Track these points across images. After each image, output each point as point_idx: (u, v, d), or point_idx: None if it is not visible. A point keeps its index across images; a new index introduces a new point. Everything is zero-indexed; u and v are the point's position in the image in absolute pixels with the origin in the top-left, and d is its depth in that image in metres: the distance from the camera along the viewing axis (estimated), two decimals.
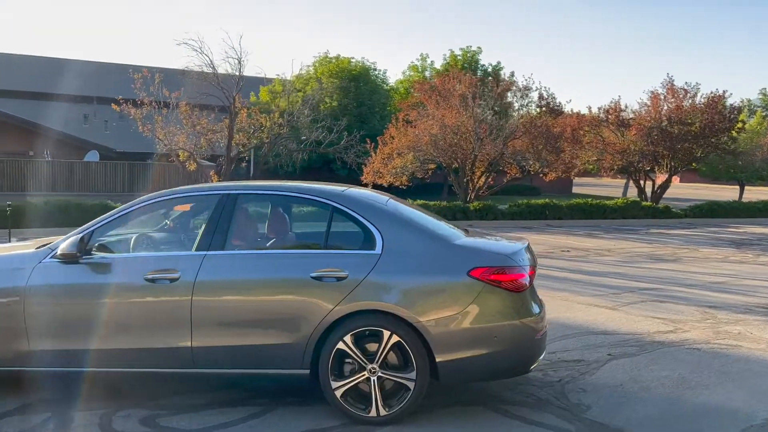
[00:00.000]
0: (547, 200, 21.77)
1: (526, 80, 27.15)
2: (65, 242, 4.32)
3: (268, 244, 4.56)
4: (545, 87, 36.23)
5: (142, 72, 17.21)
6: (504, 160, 22.69)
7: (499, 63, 47.09)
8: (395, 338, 4.07)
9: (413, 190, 23.63)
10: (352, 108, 34.91)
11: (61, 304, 4.34)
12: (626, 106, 25.62)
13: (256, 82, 19.75)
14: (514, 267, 4.25)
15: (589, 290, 8.92)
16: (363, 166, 21.91)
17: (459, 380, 4.29)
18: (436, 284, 4.19)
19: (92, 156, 33.12)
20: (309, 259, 4.25)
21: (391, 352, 4.10)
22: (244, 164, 19.50)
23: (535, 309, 4.36)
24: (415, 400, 4.09)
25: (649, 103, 24.24)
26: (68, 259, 4.31)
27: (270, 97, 32.55)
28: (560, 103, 23.99)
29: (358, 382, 4.12)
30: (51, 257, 4.36)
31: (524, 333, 4.22)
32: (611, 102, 25.48)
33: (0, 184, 29.28)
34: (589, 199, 22.56)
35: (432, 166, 23.10)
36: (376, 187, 22.96)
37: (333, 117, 34.30)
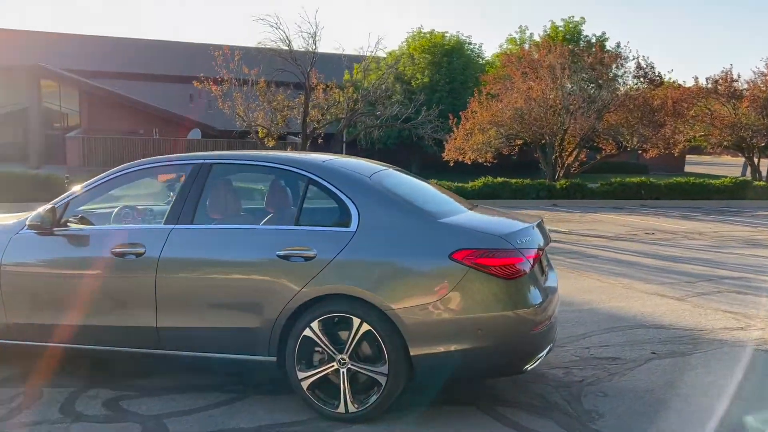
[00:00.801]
0: (643, 179, 20.22)
1: (622, 49, 25.28)
2: (34, 213, 4.16)
3: (237, 219, 4.20)
4: (643, 56, 33.34)
5: (223, 50, 17.42)
6: (597, 136, 21.24)
7: (604, 34, 44.46)
8: (366, 327, 3.60)
9: (499, 168, 22.68)
10: (443, 84, 34.16)
11: (33, 277, 4.20)
12: (738, 76, 23.25)
13: (350, 60, 19.51)
14: (507, 250, 3.64)
15: (658, 277, 7.97)
16: (444, 142, 21.25)
17: (438, 378, 3.75)
18: (413, 267, 3.66)
19: (195, 134, 34.44)
20: (277, 236, 3.84)
21: (363, 343, 3.64)
22: (320, 141, 19.36)
23: (535, 298, 3.73)
24: (387, 397, 3.61)
25: (766, 71, 21.85)
26: (40, 230, 4.15)
27: (362, 75, 32.50)
28: (660, 73, 22.09)
29: (327, 374, 3.69)
30: (26, 228, 4.22)
31: (516, 326, 3.61)
32: (722, 71, 23.22)
33: (112, 160, 31.01)
34: (691, 178, 20.72)
35: (519, 142, 22.04)
36: (459, 165, 22.27)
37: (423, 93, 33.85)
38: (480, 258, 3.57)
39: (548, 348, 3.92)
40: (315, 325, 3.67)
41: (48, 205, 4.19)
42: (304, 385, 3.72)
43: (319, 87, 17.70)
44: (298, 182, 4.00)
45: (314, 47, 17.33)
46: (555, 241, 11.52)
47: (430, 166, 27.59)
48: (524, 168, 28.34)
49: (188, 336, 3.93)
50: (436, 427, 3.66)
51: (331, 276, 3.65)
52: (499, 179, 18.99)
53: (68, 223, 4.21)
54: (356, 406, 3.65)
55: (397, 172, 4.65)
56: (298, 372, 3.73)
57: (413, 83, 35.47)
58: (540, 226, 4.23)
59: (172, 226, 4.01)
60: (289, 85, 18.33)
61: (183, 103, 36.36)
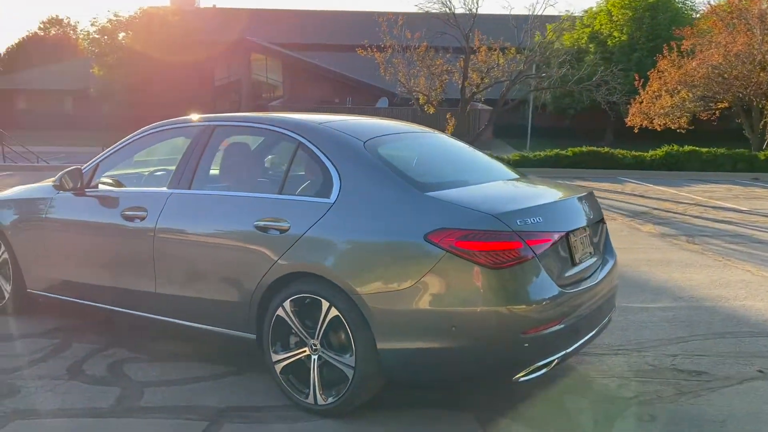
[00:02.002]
0: None
1: None
2: (60, 174, 4.30)
3: (227, 185, 3.93)
4: None
5: (387, 16, 17.31)
6: None
7: None
8: (334, 312, 3.16)
9: (694, 136, 19.98)
10: (643, 42, 30.98)
11: (65, 234, 4.35)
12: None
13: (518, 21, 18.32)
14: (498, 232, 2.95)
15: None
16: (628, 105, 19.22)
17: (409, 379, 3.19)
18: (384, 247, 3.12)
19: (383, 102, 35.21)
20: (257, 205, 3.51)
21: (333, 329, 3.20)
22: (480, 106, 18.51)
23: (537, 293, 2.99)
24: (355, 393, 3.15)
25: None
26: (68, 191, 4.29)
27: (554, 35, 30.58)
28: None
29: (300, 359, 3.33)
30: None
31: (500, 326, 2.92)
32: None
33: None
34: None
35: (721, 105, 19.18)
36: (644, 131, 19.96)
37: (621, 53, 30.92)
38: (461, 240, 2.93)
39: (563, 354, 3.15)
40: (287, 304, 3.32)
41: (73, 167, 4.31)
42: (278, 368, 3.40)
43: (481, 49, 16.87)
44: (289, 146, 3.62)
45: (476, 6, 16.50)
46: (721, 221, 9.84)
47: (625, 134, 25.09)
48: (726, 136, 24.71)
49: (180, 304, 3.79)
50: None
51: (302, 252, 3.27)
52: (687, 148, 16.72)
53: (99, 185, 4.31)
54: (324, 398, 3.25)
55: (428, 137, 4.09)
56: (272, 353, 3.42)
57: (609, 42, 32.68)
58: (584, 200, 3.44)
59: (171, 190, 3.88)
60: (449, 49, 17.71)
61: (374, 72, 37.36)
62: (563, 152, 16.87)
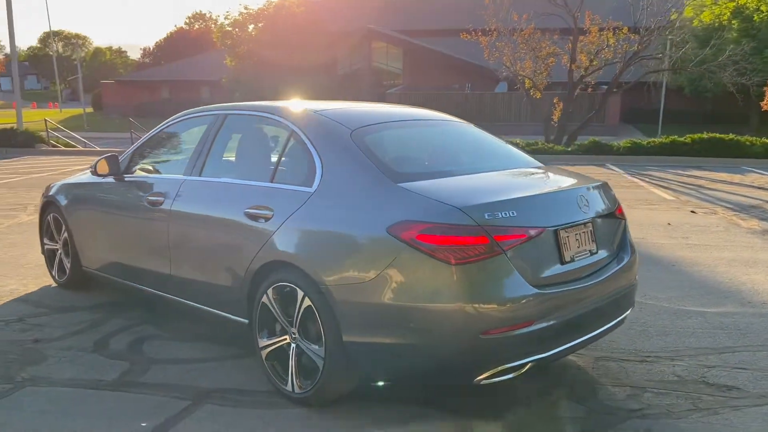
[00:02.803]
0: None
1: None
2: (97, 159, 4.59)
3: (230, 172, 3.98)
4: None
5: None
6: None
7: None
8: (307, 302, 3.16)
9: None
10: None
11: (105, 217, 4.67)
12: None
13: None
14: (460, 226, 2.79)
15: None
16: (765, 87, 17.38)
17: (374, 374, 3.09)
18: (350, 238, 3.05)
19: (501, 87, 34.46)
20: (249, 193, 3.56)
21: (307, 319, 3.19)
22: (590, 89, 17.48)
23: (502, 293, 2.80)
24: (325, 384, 3.12)
25: None
26: (102, 176, 4.58)
27: (693, 12, 28.27)
28: None
29: (282, 346, 3.37)
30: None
31: (456, 326, 2.76)
32: None
33: None
34: None
35: None
36: None
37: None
38: (422, 234, 2.81)
39: (537, 358, 2.93)
40: (270, 292, 3.35)
41: (110, 154, 4.60)
42: (263, 354, 3.45)
43: (592, 29, 15.93)
44: (283, 134, 3.64)
45: None
46: None
47: None
48: None
49: (190, 286, 3.96)
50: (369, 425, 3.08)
51: (281, 241, 3.28)
52: None
53: (137, 171, 4.58)
54: (300, 387, 3.26)
55: (441, 125, 3.96)
56: (259, 339, 3.48)
57: (755, 17, 29.66)
58: (589, 193, 3.21)
59: (185, 177, 4.05)
60: (556, 31, 16.86)
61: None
62: (681, 139, 15.59)
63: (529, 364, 2.91)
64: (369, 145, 3.35)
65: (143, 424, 3.10)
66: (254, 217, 3.44)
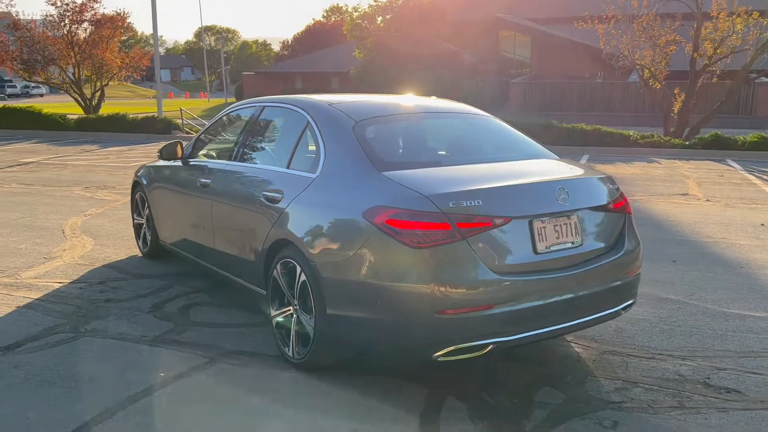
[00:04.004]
0: None
1: None
2: (164, 144, 5.18)
3: (258, 159, 4.35)
4: None
5: None
6: None
7: None
8: (303, 277, 3.49)
9: None
10: None
11: (172, 196, 5.27)
12: None
13: None
14: (425, 213, 2.98)
15: None
16: None
17: (352, 345, 3.33)
18: (335, 221, 3.33)
19: (634, 77, 32.82)
20: (268, 177, 3.95)
21: (303, 292, 3.52)
22: (715, 79, 16.21)
23: (458, 276, 2.96)
24: (316, 351, 3.45)
25: None
26: (166, 160, 5.19)
27: None
28: None
29: (287, 316, 3.73)
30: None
31: (413, 304, 2.96)
32: None
33: (548, 104, 32.12)
34: None
35: None
36: None
37: None
38: (391, 219, 3.04)
39: (499, 341, 3.05)
40: (278, 267, 3.72)
41: (174, 140, 5.18)
42: (274, 322, 3.84)
43: (720, 15, 14.81)
44: (301, 124, 3.97)
45: None
46: None
47: None
48: None
49: (226, 259, 4.43)
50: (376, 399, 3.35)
51: (285, 220, 3.64)
52: None
53: (200, 156, 5.13)
54: (298, 353, 3.61)
55: (456, 118, 4.14)
56: (271, 309, 3.87)
57: None
58: (579, 184, 3.34)
59: (226, 162, 4.52)
60: (677, 17, 15.81)
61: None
62: None
63: (491, 346, 3.05)
64: (367, 135, 3.61)
65: (161, 374, 3.60)
66: (270, 200, 3.82)
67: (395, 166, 3.38)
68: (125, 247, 6.43)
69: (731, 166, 13.22)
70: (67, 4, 22.19)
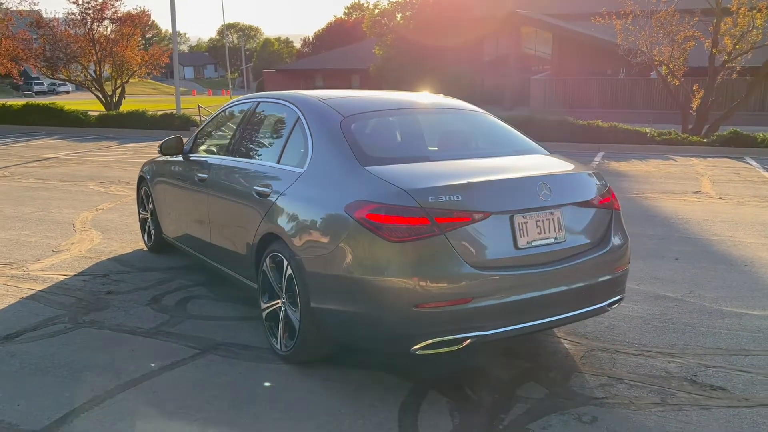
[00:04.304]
0: None
1: None
2: (164, 140, 5.26)
3: (250, 153, 4.40)
4: None
5: None
6: None
7: None
8: (289, 270, 3.54)
9: None
10: None
11: (173, 190, 5.35)
12: None
13: None
14: (403, 207, 3.01)
15: None
16: None
17: (334, 338, 3.37)
18: (319, 215, 3.36)
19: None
20: (260, 172, 4.01)
21: (289, 285, 3.57)
22: (735, 75, 15.91)
23: (436, 271, 2.98)
24: (302, 344, 3.48)
25: None
26: (166, 155, 5.27)
27: None
28: None
29: (275, 309, 3.78)
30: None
31: (390, 298, 2.99)
32: None
33: (570, 101, 31.78)
34: None
35: None
36: None
37: None
38: (371, 213, 3.07)
39: (477, 335, 3.06)
40: (267, 260, 3.77)
41: (175, 135, 5.26)
42: (263, 315, 3.88)
43: (741, 10, 14.55)
44: (292, 119, 4.01)
45: None
46: None
47: None
48: None
49: (220, 253, 4.50)
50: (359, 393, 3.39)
51: (273, 215, 3.69)
52: None
53: (199, 151, 5.20)
54: (285, 346, 3.65)
55: (447, 114, 4.15)
56: (261, 302, 3.92)
57: None
58: (563, 180, 3.35)
59: (222, 157, 4.58)
60: (696, 12, 15.55)
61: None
62: None
63: (469, 340, 3.06)
64: (354, 131, 3.64)
65: (152, 365, 3.67)
66: (260, 194, 3.87)
67: (379, 161, 3.40)
68: (132, 241, 6.54)
69: (749, 163, 13.01)
70: (88, 2, 22.54)
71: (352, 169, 3.37)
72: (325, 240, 3.28)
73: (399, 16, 37.92)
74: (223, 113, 5.10)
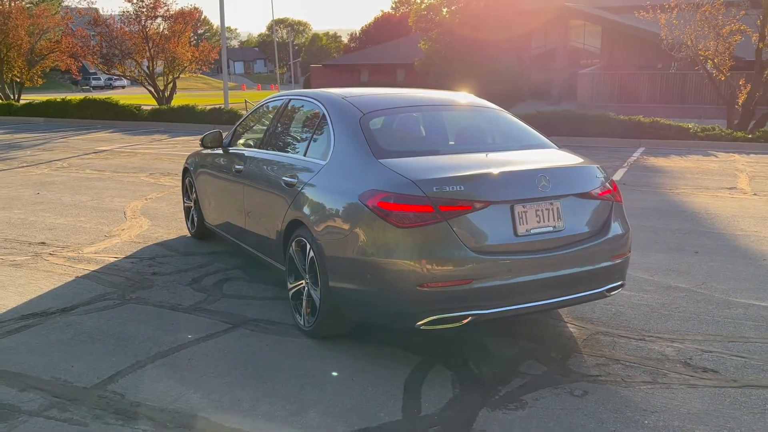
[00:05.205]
0: None
1: None
2: (205, 134, 5.68)
3: (281, 147, 4.75)
4: None
5: None
6: None
7: None
8: (311, 253, 3.89)
9: None
10: None
11: (213, 181, 5.77)
12: None
13: None
14: (411, 196, 3.32)
15: None
16: None
17: (350, 314, 3.70)
18: (337, 202, 3.71)
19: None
20: (288, 164, 4.37)
21: (312, 266, 3.92)
22: None
23: (438, 254, 3.28)
24: (323, 321, 3.84)
25: None
26: (207, 148, 5.69)
27: None
28: None
29: (299, 289, 4.14)
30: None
31: (397, 278, 3.31)
32: None
33: (618, 96, 31.33)
34: None
35: None
36: None
37: None
38: (382, 201, 3.40)
39: (476, 313, 3.35)
40: (293, 244, 4.14)
41: (215, 130, 5.68)
42: (290, 294, 4.26)
43: None
44: (318, 116, 4.36)
45: None
46: None
47: None
48: None
49: (254, 238, 4.89)
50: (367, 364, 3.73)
51: (298, 203, 4.05)
52: None
53: (238, 144, 5.60)
54: (308, 322, 4.02)
55: (458, 109, 4.42)
56: (288, 282, 4.29)
57: None
58: (563, 172, 3.61)
59: (256, 150, 4.97)
60: (744, 5, 15.21)
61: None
62: None
63: (469, 318, 3.36)
64: (372, 126, 3.97)
65: (189, 336, 4.08)
66: (288, 184, 4.23)
67: (393, 154, 3.72)
68: (177, 228, 7.02)
69: None
70: (141, 1, 23.47)
71: (367, 161, 3.69)
72: (342, 226, 3.62)
73: (445, 10, 38.02)
74: (258, 109, 5.49)
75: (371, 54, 48.57)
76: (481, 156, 3.85)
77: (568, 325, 4.29)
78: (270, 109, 5.31)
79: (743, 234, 6.77)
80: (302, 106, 4.75)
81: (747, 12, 15.27)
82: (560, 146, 4.27)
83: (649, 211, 7.93)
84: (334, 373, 3.56)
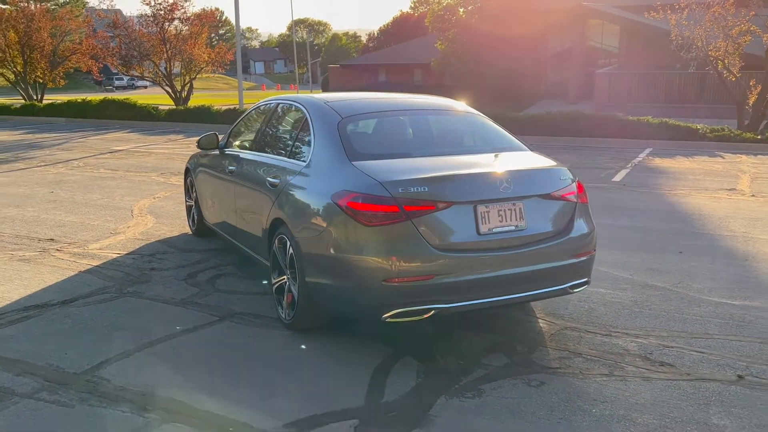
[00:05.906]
0: None
1: None
2: (202, 136, 5.94)
3: (268, 149, 4.98)
4: None
5: None
6: None
7: None
8: (291, 249, 4.12)
9: None
10: None
11: (210, 180, 6.02)
12: None
13: None
14: (377, 197, 3.53)
15: None
16: None
17: (325, 308, 3.92)
18: (312, 202, 3.94)
19: None
20: (273, 165, 4.60)
21: (291, 262, 4.15)
22: None
23: (402, 251, 3.49)
24: (300, 313, 4.06)
25: None
26: (204, 150, 5.95)
27: None
28: None
29: (281, 284, 4.37)
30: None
31: (363, 273, 3.52)
32: None
33: (634, 96, 31.17)
34: None
35: None
36: None
37: None
38: (352, 201, 3.61)
39: (439, 306, 3.55)
40: (276, 242, 4.37)
41: (210, 132, 5.94)
42: (273, 288, 4.49)
43: None
44: (301, 119, 4.58)
45: None
46: None
47: None
48: None
49: (245, 235, 5.13)
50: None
51: (280, 202, 4.28)
52: None
53: (233, 146, 5.86)
54: (288, 315, 4.25)
55: (435, 113, 4.64)
56: (272, 277, 4.52)
57: None
58: (525, 175, 3.80)
59: (247, 152, 5.21)
60: (753, 6, 15.12)
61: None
62: None
63: (432, 311, 3.56)
64: (349, 130, 4.19)
65: (177, 328, 4.33)
66: (272, 184, 4.47)
67: (366, 156, 3.94)
68: (179, 226, 7.30)
69: None
70: (159, 3, 23.94)
71: (341, 163, 3.91)
72: (317, 224, 3.85)
73: (462, 10, 38.10)
74: (251, 113, 5.74)
75: (389, 54, 48.81)
76: (450, 159, 4.04)
77: (540, 320, 4.46)
78: (261, 112, 5.55)
79: (731, 235, 6.87)
80: (289, 110, 4.99)
81: (757, 13, 15.19)
82: (533, 148, 4.45)
83: (642, 212, 8.05)
84: (308, 363, 3.79)
